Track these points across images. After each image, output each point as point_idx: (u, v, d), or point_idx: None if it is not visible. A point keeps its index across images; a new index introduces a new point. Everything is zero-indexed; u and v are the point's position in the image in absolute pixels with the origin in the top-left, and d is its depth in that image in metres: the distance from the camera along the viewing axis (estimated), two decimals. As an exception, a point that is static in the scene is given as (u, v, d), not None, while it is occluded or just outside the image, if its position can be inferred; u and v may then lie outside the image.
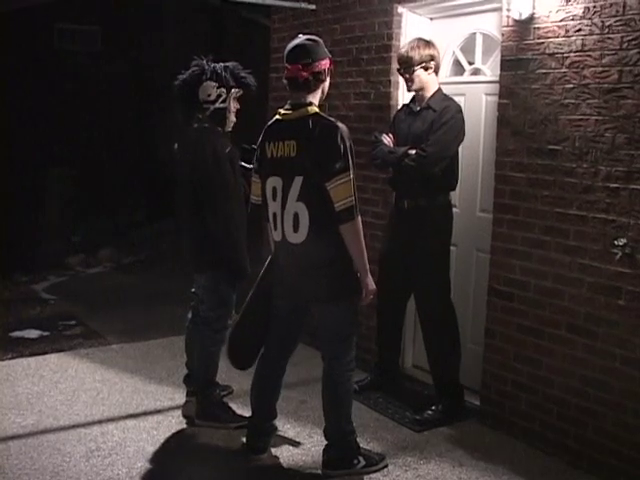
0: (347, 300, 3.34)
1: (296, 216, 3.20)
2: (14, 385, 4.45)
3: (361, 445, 3.60)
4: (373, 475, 3.49)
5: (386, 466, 3.56)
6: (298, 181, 3.18)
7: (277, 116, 3.34)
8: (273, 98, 5.65)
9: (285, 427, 3.96)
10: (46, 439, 3.76)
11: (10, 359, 4.92)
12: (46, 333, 5.51)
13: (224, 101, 3.81)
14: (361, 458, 3.51)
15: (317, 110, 3.24)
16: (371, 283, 3.32)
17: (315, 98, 3.28)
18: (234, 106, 3.87)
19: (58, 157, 8.64)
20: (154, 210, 9.13)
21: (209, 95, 3.78)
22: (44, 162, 8.51)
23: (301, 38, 3.29)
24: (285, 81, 3.30)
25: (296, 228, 3.21)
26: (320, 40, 3.32)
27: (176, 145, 3.96)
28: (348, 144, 3.16)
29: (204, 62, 3.83)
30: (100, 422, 3.99)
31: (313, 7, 5.13)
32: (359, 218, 3.21)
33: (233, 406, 4.08)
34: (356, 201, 3.18)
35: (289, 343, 3.60)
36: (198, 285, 3.97)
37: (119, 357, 5.04)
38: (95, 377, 4.64)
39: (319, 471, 3.52)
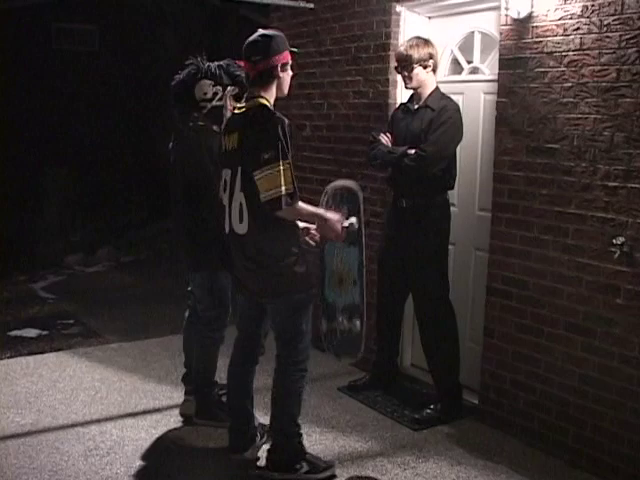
0: (290, 298, 3.27)
1: (241, 206, 3.19)
2: (13, 384, 4.45)
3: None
4: (371, 473, 3.49)
5: (333, 476, 3.43)
6: (239, 172, 3.18)
7: (235, 110, 3.35)
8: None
9: (284, 426, 3.96)
10: (45, 438, 3.76)
11: (9, 358, 4.92)
12: (45, 332, 5.51)
13: (220, 99, 3.81)
14: (304, 463, 3.39)
15: (264, 102, 3.20)
16: (330, 215, 3.31)
17: (268, 93, 3.24)
18: (230, 104, 3.87)
19: (57, 157, 8.63)
20: (153, 209, 9.12)
21: (205, 94, 3.79)
22: (43, 162, 8.50)
23: (257, 33, 3.25)
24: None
25: (241, 219, 3.20)
26: (277, 35, 3.26)
27: (171, 144, 3.95)
28: (281, 134, 3.08)
29: (199, 61, 3.84)
30: (99, 421, 3.98)
31: (312, 6, 5.13)
32: (296, 205, 3.13)
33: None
34: (293, 189, 3.09)
35: (253, 343, 3.54)
36: (195, 284, 3.97)
37: (117, 356, 5.03)
38: (94, 376, 4.64)
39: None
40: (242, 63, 3.28)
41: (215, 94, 3.81)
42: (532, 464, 3.60)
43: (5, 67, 8.16)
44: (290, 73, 3.31)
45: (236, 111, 3.32)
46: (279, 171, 3.06)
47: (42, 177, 8.49)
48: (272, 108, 3.23)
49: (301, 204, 3.19)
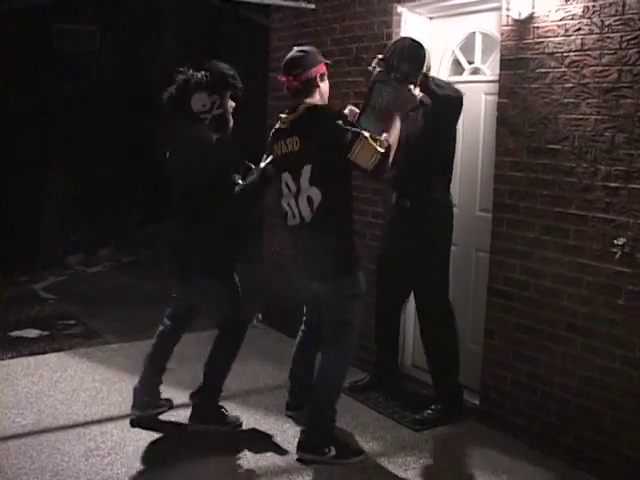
0: (342, 285, 3.52)
1: (310, 198, 3.45)
2: (14, 384, 4.45)
3: (359, 443, 3.62)
4: (372, 474, 3.49)
5: (361, 461, 3.59)
6: (307, 169, 3.43)
7: (280, 119, 3.61)
8: (273, 97, 5.64)
9: (284, 426, 3.95)
10: (45, 438, 3.76)
11: (10, 358, 4.92)
12: (45, 332, 5.51)
13: (220, 106, 3.77)
14: (333, 448, 3.58)
15: (309, 105, 3.49)
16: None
17: (313, 101, 3.53)
18: (230, 106, 3.83)
19: (57, 157, 8.64)
20: (154, 209, 9.13)
21: (204, 105, 3.73)
22: (44, 162, 8.51)
23: (293, 50, 3.58)
24: (285, 90, 3.58)
25: (312, 208, 3.46)
26: (312, 50, 3.59)
27: (169, 150, 3.91)
28: (342, 116, 3.45)
29: (188, 73, 3.76)
30: (99, 421, 3.98)
31: (313, 7, 5.14)
32: (389, 150, 3.36)
33: (232, 405, 4.08)
34: (385, 143, 3.35)
35: (316, 329, 3.82)
36: (201, 293, 3.91)
37: (118, 356, 5.04)
38: (94, 376, 4.64)
39: (319, 470, 3.51)
40: (282, 78, 3.52)
41: (214, 103, 3.76)
42: (532, 464, 3.60)
43: (6, 67, 8.16)
44: (327, 82, 3.60)
45: (283, 119, 3.56)
46: (366, 139, 3.32)
47: (42, 177, 8.50)
48: (320, 104, 3.52)
49: (389, 142, 3.38)
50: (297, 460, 3.58)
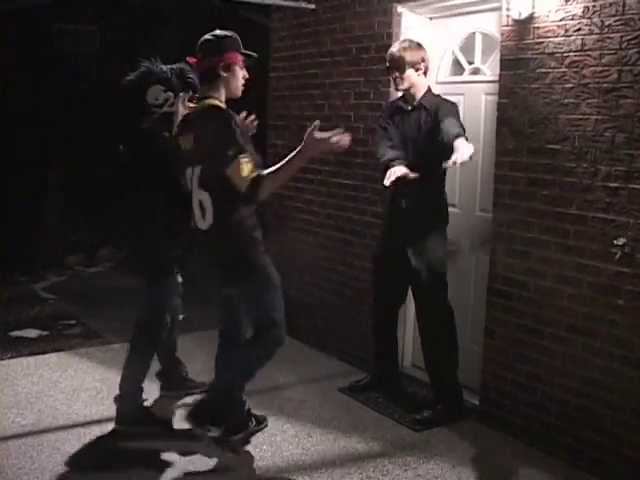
0: (253, 283, 3.37)
1: (200, 203, 3.30)
2: (13, 384, 4.45)
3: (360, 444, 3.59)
4: (372, 474, 3.49)
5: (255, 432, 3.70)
6: (197, 170, 3.29)
7: (189, 108, 3.46)
8: (273, 98, 5.65)
9: (285, 427, 3.96)
10: (46, 438, 3.76)
11: (9, 358, 4.91)
12: (45, 332, 5.51)
13: (172, 105, 3.76)
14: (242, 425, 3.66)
15: (215, 103, 3.27)
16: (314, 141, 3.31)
17: (216, 92, 3.31)
18: (183, 108, 3.75)
19: (57, 157, 8.63)
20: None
21: (157, 99, 3.77)
22: (43, 162, 8.50)
23: (210, 33, 3.34)
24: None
25: (203, 215, 3.31)
26: (227, 35, 3.34)
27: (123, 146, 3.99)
28: (239, 131, 3.18)
29: (152, 64, 3.82)
30: (100, 421, 3.98)
31: (313, 7, 5.13)
32: (265, 177, 3.14)
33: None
34: (257, 172, 3.14)
35: (232, 333, 3.71)
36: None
37: (119, 356, 5.00)
38: (95, 376, 4.64)
39: (319, 470, 3.52)
40: (191, 60, 3.35)
41: (166, 100, 3.77)
42: (532, 465, 3.60)
43: (6, 67, 8.16)
44: (239, 75, 3.34)
45: (187, 111, 3.42)
46: (247, 161, 3.11)
47: (42, 177, 8.49)
48: (222, 106, 3.29)
49: (268, 172, 3.17)
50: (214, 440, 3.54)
